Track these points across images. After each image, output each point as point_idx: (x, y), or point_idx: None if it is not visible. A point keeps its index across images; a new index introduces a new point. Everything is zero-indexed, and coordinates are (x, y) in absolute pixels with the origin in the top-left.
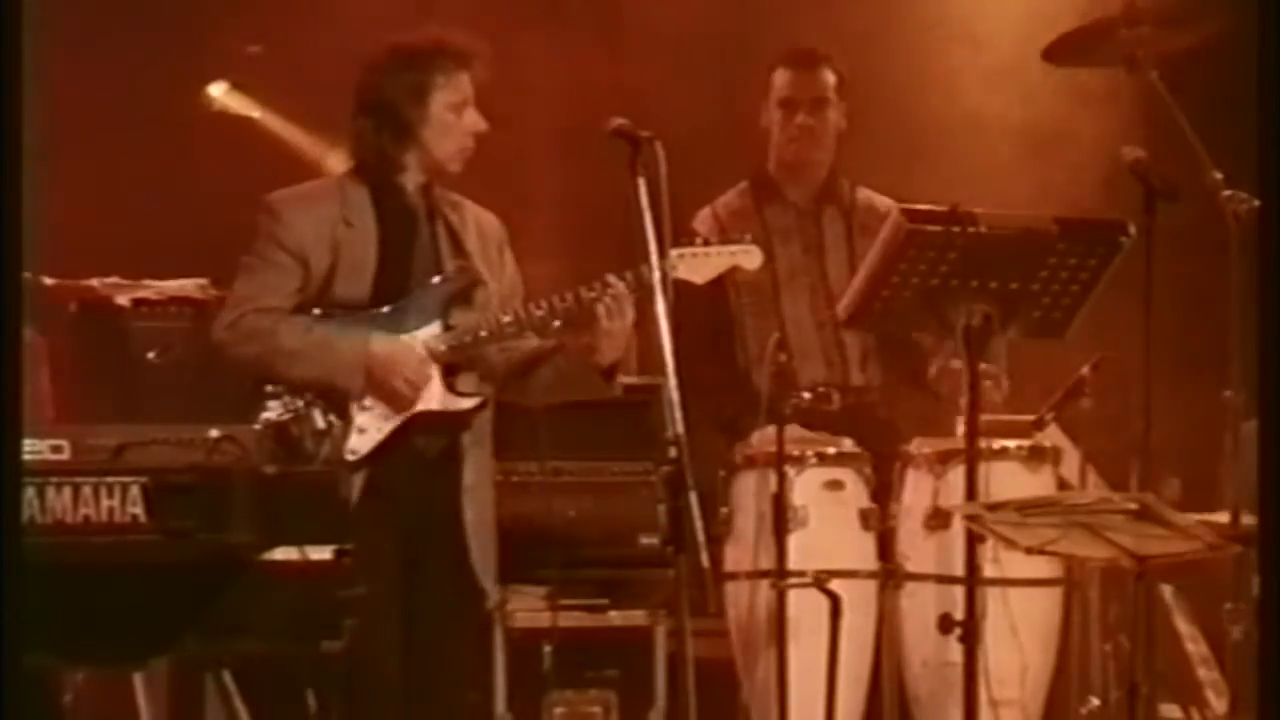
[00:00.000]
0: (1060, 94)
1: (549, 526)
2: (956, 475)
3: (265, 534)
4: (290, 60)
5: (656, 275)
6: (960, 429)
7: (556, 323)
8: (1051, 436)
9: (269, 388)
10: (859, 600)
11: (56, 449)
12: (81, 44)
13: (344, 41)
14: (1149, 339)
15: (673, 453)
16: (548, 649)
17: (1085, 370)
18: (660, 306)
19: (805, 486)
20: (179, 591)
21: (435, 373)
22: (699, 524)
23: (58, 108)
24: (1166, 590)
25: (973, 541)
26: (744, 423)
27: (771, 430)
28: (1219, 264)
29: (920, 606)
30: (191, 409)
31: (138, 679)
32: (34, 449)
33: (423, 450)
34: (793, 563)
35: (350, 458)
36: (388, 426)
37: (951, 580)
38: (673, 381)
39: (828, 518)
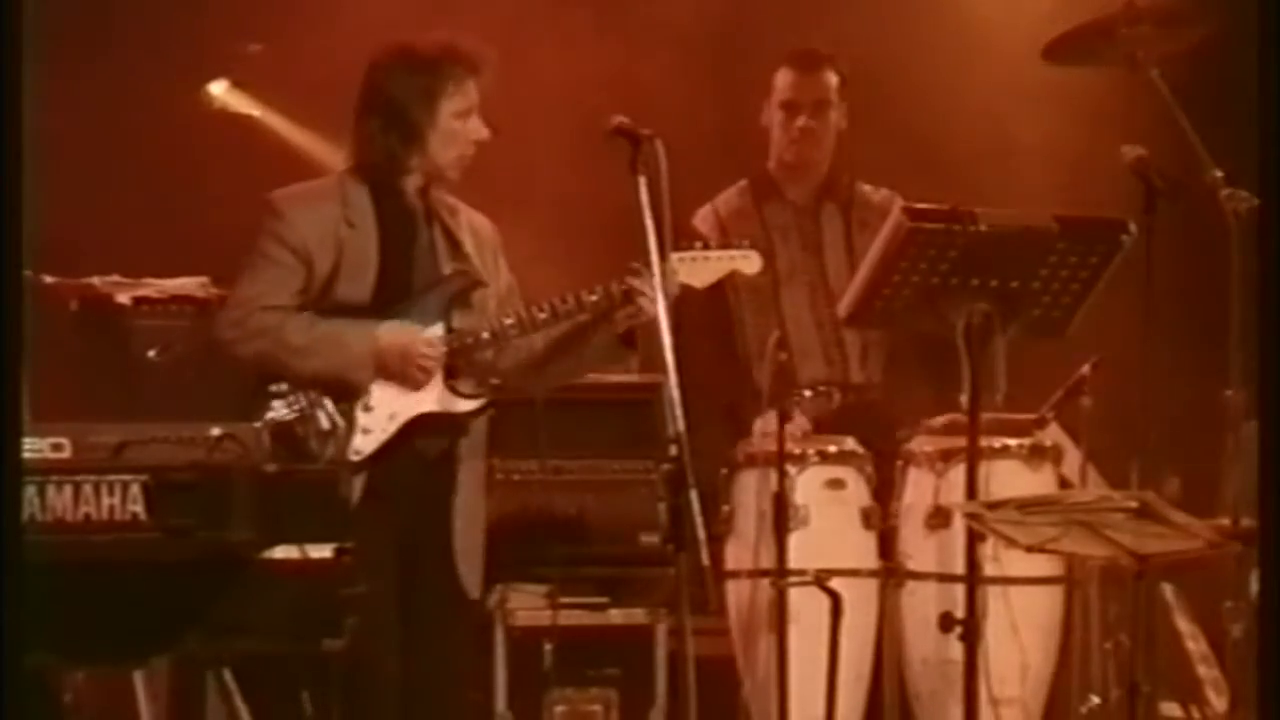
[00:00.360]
0: (1060, 94)
1: (550, 524)
2: (957, 474)
3: (266, 532)
4: (290, 59)
5: (656, 273)
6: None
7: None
8: (1052, 435)
9: (273, 387)
10: (860, 599)
11: (57, 447)
12: (82, 43)
13: (344, 40)
14: (1149, 338)
15: (673, 451)
16: (548, 647)
17: (1085, 369)
18: (661, 305)
19: (806, 485)
20: (179, 590)
21: (438, 373)
22: (700, 522)
23: (58, 107)
24: (1167, 588)
25: (973, 540)
26: (744, 411)
27: (772, 426)
28: (1219, 263)
29: (921, 605)
30: (192, 407)
31: (138, 677)
32: (34, 447)
33: (423, 452)
34: (794, 561)
35: (354, 458)
36: (392, 427)
37: (952, 579)
38: (674, 379)
39: (829, 516)
